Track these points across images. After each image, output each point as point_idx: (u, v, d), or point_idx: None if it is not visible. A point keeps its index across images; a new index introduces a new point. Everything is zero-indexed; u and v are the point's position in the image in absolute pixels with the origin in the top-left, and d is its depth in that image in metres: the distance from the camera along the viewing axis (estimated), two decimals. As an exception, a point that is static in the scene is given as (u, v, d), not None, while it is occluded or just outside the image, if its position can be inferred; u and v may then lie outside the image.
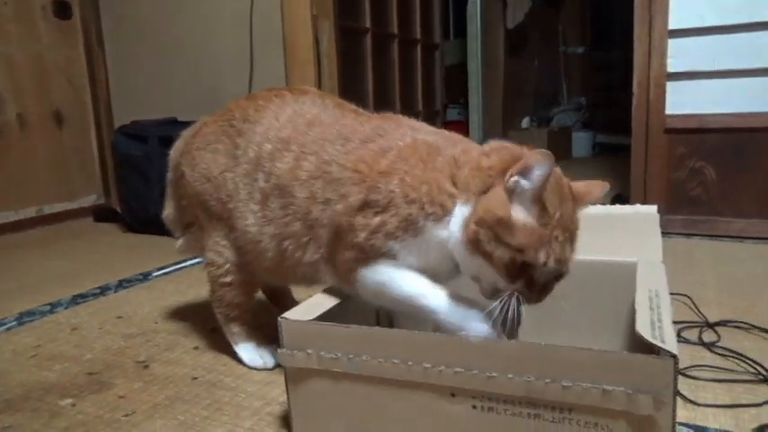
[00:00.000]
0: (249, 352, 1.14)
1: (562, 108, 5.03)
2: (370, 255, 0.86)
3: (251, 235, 1.02)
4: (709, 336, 1.19)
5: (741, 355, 1.09)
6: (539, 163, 0.72)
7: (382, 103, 3.11)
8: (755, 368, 1.04)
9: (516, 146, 0.83)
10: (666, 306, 0.80)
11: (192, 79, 2.74)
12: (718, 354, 1.11)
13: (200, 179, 1.10)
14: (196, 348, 1.24)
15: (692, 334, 1.21)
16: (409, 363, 0.78)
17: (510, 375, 0.73)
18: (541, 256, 0.75)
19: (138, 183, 2.43)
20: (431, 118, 3.70)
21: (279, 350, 0.86)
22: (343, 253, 0.89)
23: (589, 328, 1.08)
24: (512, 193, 0.75)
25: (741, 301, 1.38)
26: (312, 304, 0.90)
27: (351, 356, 0.81)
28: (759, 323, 1.24)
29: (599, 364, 0.70)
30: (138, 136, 2.46)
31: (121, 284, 1.75)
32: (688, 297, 1.37)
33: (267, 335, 1.15)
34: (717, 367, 1.05)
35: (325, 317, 0.87)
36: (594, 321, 1.08)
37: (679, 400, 0.92)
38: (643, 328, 0.71)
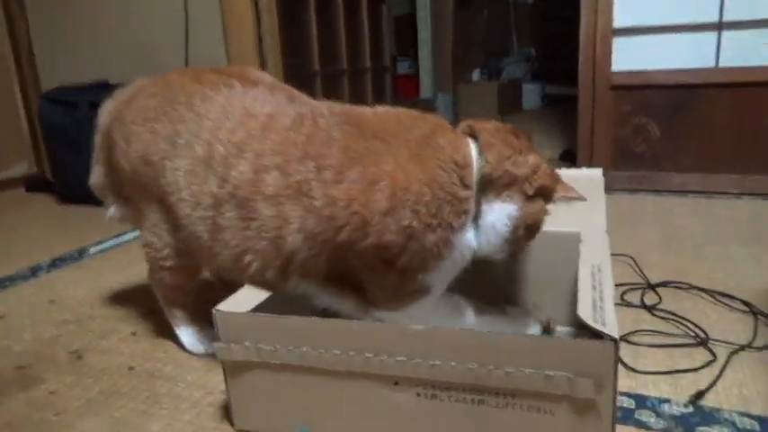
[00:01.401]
0: (191, 337, 1.10)
1: (512, 60, 4.99)
2: (400, 296, 0.84)
3: (201, 240, 0.92)
4: (651, 297, 1.21)
5: (681, 317, 1.11)
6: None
7: (328, 59, 3.00)
8: (694, 331, 1.06)
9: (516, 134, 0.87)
10: (608, 282, 0.79)
11: (123, 36, 2.56)
12: (659, 317, 1.13)
13: (138, 160, 0.99)
14: (134, 334, 1.19)
15: (634, 296, 1.22)
16: (350, 353, 0.76)
17: (453, 363, 0.72)
18: None
19: (68, 152, 2.28)
20: (380, 75, 3.60)
21: (215, 344, 0.82)
22: (360, 289, 0.85)
23: (534, 300, 1.08)
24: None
25: (682, 260, 1.41)
26: (247, 293, 0.86)
27: (290, 348, 0.78)
28: (698, 282, 1.27)
29: (541, 350, 0.69)
30: (66, 102, 2.30)
31: (54, 264, 1.65)
32: (631, 258, 1.39)
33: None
34: (657, 332, 1.07)
35: (262, 307, 0.83)
36: (539, 293, 1.08)
37: (620, 368, 0.93)
38: (584, 311, 0.70)
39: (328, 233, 0.80)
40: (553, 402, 0.70)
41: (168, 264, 1.04)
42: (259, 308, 0.83)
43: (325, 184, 0.80)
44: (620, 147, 2.11)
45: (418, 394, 0.75)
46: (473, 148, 0.83)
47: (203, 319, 1.10)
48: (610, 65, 2.03)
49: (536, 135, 3.70)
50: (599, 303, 0.73)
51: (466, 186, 0.81)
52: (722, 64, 1.93)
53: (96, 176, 1.14)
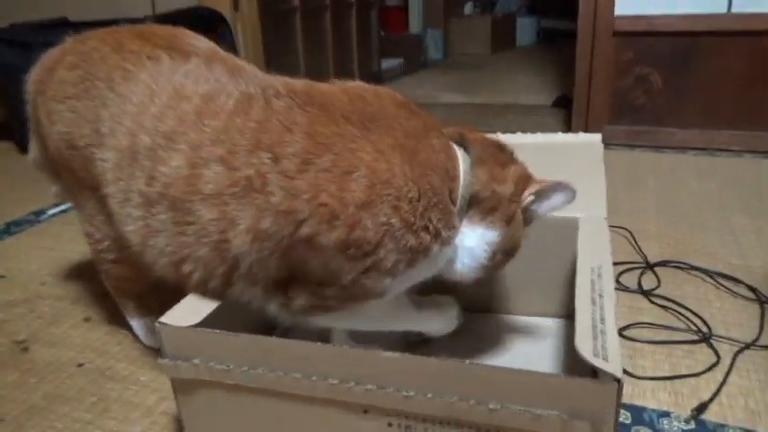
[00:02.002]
0: (145, 329, 1.00)
1: (506, -9, 4.72)
2: (356, 297, 0.70)
3: (133, 244, 0.77)
4: (648, 280, 1.12)
5: (681, 305, 1.03)
6: (563, 192, 0.76)
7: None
8: (696, 324, 0.98)
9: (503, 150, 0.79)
10: (610, 293, 0.69)
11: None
12: (658, 304, 1.04)
13: (62, 143, 0.85)
14: (87, 320, 1.09)
15: (631, 277, 1.14)
16: (313, 378, 0.66)
17: (429, 395, 0.62)
18: None
19: (24, 97, 2.10)
20: (366, 8, 3.36)
21: (159, 360, 0.72)
22: (306, 291, 0.70)
23: (529, 291, 0.98)
24: (528, 216, 0.77)
25: (681, 233, 1.32)
26: (194, 303, 0.75)
27: (245, 369, 0.68)
28: (699, 259, 1.18)
29: (530, 387, 0.59)
30: (19, 42, 2.10)
31: (9, 229, 1.53)
32: (628, 231, 1.30)
33: (170, 303, 0.99)
34: (656, 324, 0.98)
35: (213, 317, 0.72)
36: (534, 283, 0.98)
37: (616, 373, 0.85)
38: (583, 341, 0.60)
39: (285, 230, 0.67)
40: (543, 441, 0.61)
41: (111, 257, 0.92)
42: (210, 318, 0.72)
43: (284, 175, 0.66)
44: (619, 98, 1.97)
45: (390, 424, 0.66)
46: (461, 160, 0.73)
47: (161, 310, 1.00)
48: (612, 9, 1.86)
49: (529, 77, 3.54)
50: (599, 327, 0.63)
51: (452, 201, 0.71)
52: (735, 9, 1.76)
53: (33, 152, 1.01)
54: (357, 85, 0.76)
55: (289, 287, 0.72)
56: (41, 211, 1.64)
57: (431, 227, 0.69)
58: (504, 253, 0.75)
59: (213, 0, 2.20)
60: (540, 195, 0.75)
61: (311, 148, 0.67)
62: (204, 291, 0.74)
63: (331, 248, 0.66)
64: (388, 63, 3.60)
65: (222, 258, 0.70)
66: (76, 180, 0.88)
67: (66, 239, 1.45)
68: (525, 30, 4.71)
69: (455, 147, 0.75)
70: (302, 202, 0.65)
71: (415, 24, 4.31)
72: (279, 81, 0.74)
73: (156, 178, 0.71)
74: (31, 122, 0.98)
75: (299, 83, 0.74)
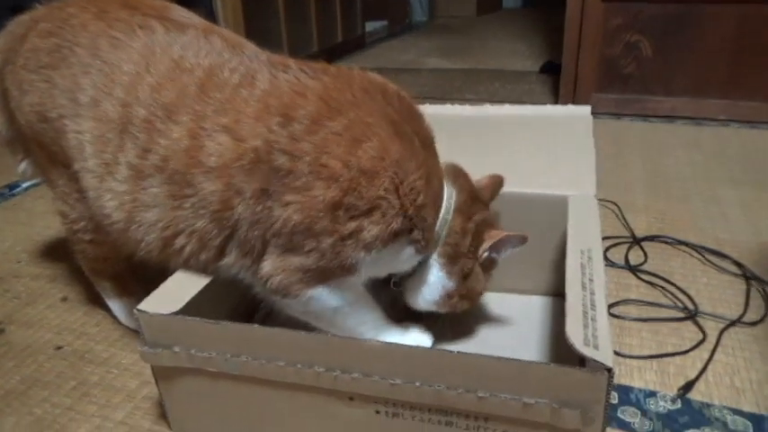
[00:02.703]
0: (124, 310, 0.97)
1: (493, -48, 4.59)
2: (329, 266, 0.67)
3: (115, 220, 0.75)
4: (636, 255, 1.12)
5: (668, 281, 1.03)
6: (513, 242, 0.78)
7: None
8: (682, 301, 0.97)
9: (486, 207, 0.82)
10: (600, 277, 0.68)
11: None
12: (645, 280, 1.04)
13: (33, 115, 0.80)
14: (64, 300, 1.06)
15: (619, 252, 1.13)
16: (298, 365, 0.64)
17: (417, 384, 0.61)
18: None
19: None
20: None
21: (140, 348, 0.69)
22: (286, 258, 0.68)
23: (518, 269, 0.97)
24: (486, 266, 0.81)
25: (669, 206, 1.31)
26: (174, 285, 0.72)
27: (228, 356, 0.67)
28: (686, 233, 1.18)
29: (519, 376, 0.58)
30: (-16, 4, 2.00)
31: (-19, 203, 1.48)
32: (615, 204, 1.28)
33: (153, 277, 0.95)
34: (643, 302, 0.98)
35: (193, 304, 0.70)
36: (524, 261, 0.96)
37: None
38: (573, 328, 0.59)
39: (282, 194, 0.65)
40: (532, 429, 0.60)
41: (87, 237, 0.89)
42: (190, 305, 0.70)
43: (291, 138, 0.64)
44: (607, 66, 1.93)
45: (377, 411, 0.65)
46: (447, 197, 0.75)
47: (140, 289, 0.97)
48: (603, -27, 1.81)
49: (516, 42, 3.46)
50: (590, 313, 0.62)
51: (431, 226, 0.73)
52: (727, -25, 1.72)
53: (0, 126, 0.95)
54: (376, 76, 0.74)
55: (265, 261, 0.69)
56: (15, 185, 1.58)
57: (417, 224, 0.69)
58: (462, 297, 0.79)
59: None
60: (495, 248, 0.78)
61: (324, 111, 0.66)
62: (195, 264, 0.73)
63: (320, 207, 0.64)
64: (371, 26, 3.51)
65: (220, 228, 0.69)
66: (48, 156, 0.84)
67: (40, 213, 1.41)
68: (512, -9, 4.61)
69: (446, 181, 0.76)
70: (303, 164, 0.64)
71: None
72: (282, 58, 0.72)
73: (151, 151, 0.70)
74: None
75: (309, 62, 0.73)
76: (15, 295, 1.08)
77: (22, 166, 0.97)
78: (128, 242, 0.76)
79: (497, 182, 0.86)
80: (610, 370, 0.55)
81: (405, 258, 0.72)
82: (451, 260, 0.76)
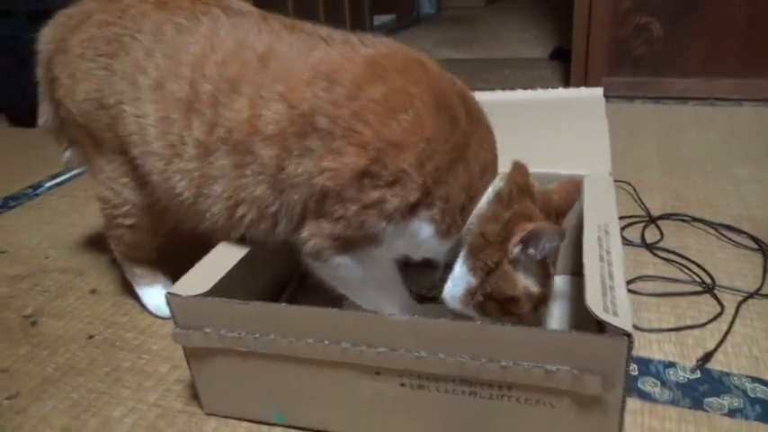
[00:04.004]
0: (154, 298, 1.00)
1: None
2: (355, 235, 0.69)
3: (181, 198, 0.79)
4: (652, 232, 1.13)
5: (684, 257, 1.03)
6: (548, 235, 0.67)
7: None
8: (699, 276, 0.98)
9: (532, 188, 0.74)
10: (618, 250, 0.70)
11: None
12: (661, 257, 1.05)
13: (88, 103, 0.84)
14: (93, 292, 1.09)
15: (635, 231, 1.14)
16: (325, 342, 0.67)
17: (441, 355, 0.63)
18: (541, 305, 0.73)
19: (10, 67, 2.05)
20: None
21: (173, 331, 0.72)
22: (320, 223, 0.71)
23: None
24: (517, 262, 0.70)
25: (683, 185, 1.31)
26: (202, 273, 0.75)
27: (257, 336, 0.69)
28: (701, 211, 1.18)
29: (541, 343, 0.60)
30: (1, 11, 2.04)
31: (7, 203, 1.52)
32: (630, 185, 1.29)
33: (178, 271, 0.98)
34: (660, 277, 0.99)
35: (221, 285, 0.73)
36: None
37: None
38: (593, 297, 0.60)
39: (320, 158, 0.68)
40: (554, 396, 0.62)
41: (128, 222, 0.92)
42: (219, 286, 0.72)
43: (333, 104, 0.67)
44: (618, 49, 1.93)
45: (403, 384, 0.67)
46: (491, 189, 0.72)
47: (169, 277, 1.00)
48: (611, -44, 1.81)
49: (525, 30, 3.45)
50: (608, 283, 0.63)
51: (462, 217, 0.71)
52: (737, -47, 1.72)
53: (44, 116, 0.98)
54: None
55: (305, 225, 0.73)
56: (38, 185, 1.62)
57: (437, 203, 0.69)
58: (489, 299, 0.70)
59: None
60: (528, 242, 0.68)
61: (368, 75, 0.68)
62: (255, 233, 0.77)
63: (348, 173, 0.66)
64: (380, 19, 3.52)
65: (275, 196, 0.73)
66: (96, 143, 0.88)
67: (64, 211, 1.45)
68: (519, -20, 4.59)
69: (498, 175, 0.74)
70: (339, 128, 0.67)
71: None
72: (347, 32, 0.75)
73: (218, 124, 0.74)
74: (40, 86, 0.97)
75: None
76: (45, 289, 1.11)
77: (67, 154, 1.00)
78: (195, 215, 0.80)
79: (571, 187, 0.78)
80: (629, 335, 0.56)
81: (424, 237, 0.72)
82: (475, 251, 0.70)
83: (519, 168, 0.74)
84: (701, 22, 1.81)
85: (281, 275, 0.98)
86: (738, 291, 0.94)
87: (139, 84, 0.78)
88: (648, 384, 0.77)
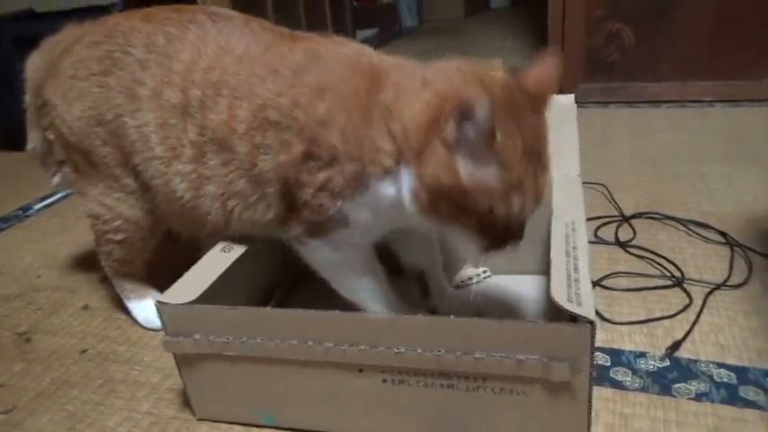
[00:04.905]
0: (144, 311, 1.03)
1: (477, -46, 4.66)
2: (319, 219, 0.74)
3: (183, 201, 0.84)
4: (625, 231, 1.17)
5: (655, 253, 1.08)
6: (479, 102, 0.56)
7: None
8: (669, 270, 1.03)
9: (465, 64, 0.68)
10: (583, 245, 0.74)
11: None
12: (634, 254, 1.09)
13: (83, 120, 0.87)
14: (85, 308, 1.12)
15: (608, 230, 1.18)
16: (309, 343, 0.70)
17: (419, 350, 0.66)
18: (515, 206, 0.63)
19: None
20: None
21: (163, 339, 0.75)
22: (293, 212, 0.76)
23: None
24: (453, 146, 0.60)
25: (655, 184, 1.36)
26: (193, 279, 0.78)
27: (244, 339, 0.72)
28: (672, 209, 1.23)
29: (511, 334, 0.64)
30: (-13, 37, 2.07)
31: (-3, 225, 1.54)
32: (604, 186, 1.34)
33: (168, 282, 1.01)
34: (632, 273, 1.03)
35: (210, 293, 0.76)
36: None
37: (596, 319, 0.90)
38: (558, 289, 0.64)
39: (277, 151, 0.74)
40: (526, 384, 0.66)
41: (119, 237, 0.95)
42: (207, 293, 0.75)
43: (277, 94, 0.73)
44: (592, 57, 1.99)
45: (384, 380, 0.71)
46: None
47: (158, 291, 1.03)
48: (581, -34, 1.87)
49: (504, 40, 3.52)
50: (573, 275, 0.67)
51: (392, 138, 0.66)
52: (700, -39, 1.79)
53: (33, 142, 1.02)
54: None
55: (288, 216, 0.78)
56: (28, 207, 1.65)
57: (367, 166, 0.68)
58: (436, 195, 0.62)
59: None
60: (461, 116, 0.58)
61: (305, 61, 0.74)
62: (244, 224, 0.82)
63: (298, 160, 0.72)
64: (362, 34, 3.58)
65: (253, 187, 0.78)
66: (90, 161, 0.91)
67: (54, 231, 1.47)
68: (499, -9, 4.68)
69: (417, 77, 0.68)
70: (282, 116, 0.72)
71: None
72: (307, 33, 0.82)
73: (206, 126, 0.79)
74: (28, 112, 0.99)
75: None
76: (38, 307, 1.14)
77: (56, 179, 1.03)
78: (194, 218, 0.85)
79: (546, 65, 0.68)
80: (592, 323, 0.60)
81: (386, 199, 0.69)
82: (404, 146, 0.65)
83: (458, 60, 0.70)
84: (670, 28, 1.88)
85: (268, 282, 1.01)
86: (706, 283, 0.98)
87: (138, 95, 0.83)
88: (620, 374, 0.81)
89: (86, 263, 1.27)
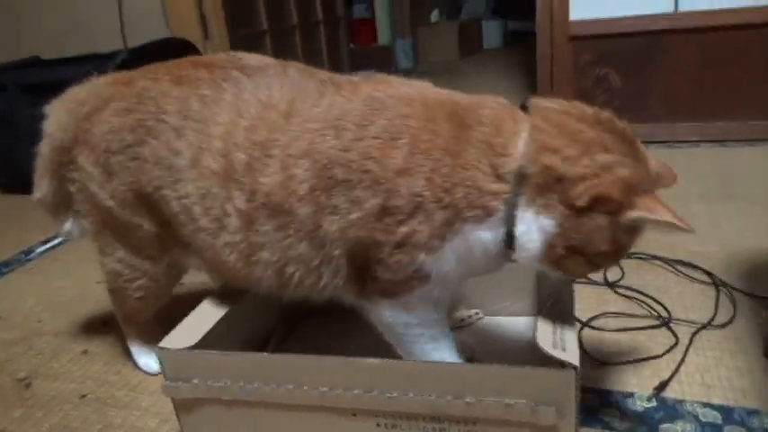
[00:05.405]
0: (145, 356, 1.04)
1: (470, -4, 4.83)
2: (398, 275, 0.70)
3: (234, 271, 0.80)
4: (613, 271, 1.20)
5: (643, 293, 1.11)
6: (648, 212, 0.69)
7: (276, 15, 2.84)
8: (656, 310, 1.05)
9: (571, 107, 0.72)
10: (570, 291, 0.77)
11: (53, 6, 2.37)
12: (622, 294, 1.12)
13: (129, 192, 0.84)
14: (85, 353, 1.13)
15: (597, 271, 1.21)
16: (304, 387, 0.72)
17: (411, 395, 0.69)
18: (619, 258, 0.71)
19: (4, 138, 2.14)
20: (334, 25, 3.43)
21: (163, 384, 0.77)
22: (366, 272, 0.73)
23: (502, 293, 1.04)
24: (619, 227, 0.66)
25: (644, 224, 1.40)
26: (192, 324, 0.81)
27: (241, 384, 0.74)
28: (660, 248, 1.26)
29: (500, 379, 0.66)
30: (-6, 84, 2.14)
31: (0, 270, 1.57)
32: (594, 227, 1.37)
33: (171, 327, 1.01)
34: (620, 313, 1.06)
35: (209, 338, 0.78)
36: (507, 285, 1.04)
37: (585, 359, 0.92)
38: (543, 335, 0.67)
39: (348, 211, 0.69)
40: (515, 428, 0.68)
41: (138, 295, 0.95)
42: (206, 339, 0.78)
43: (342, 150, 0.69)
44: (581, 99, 2.02)
45: (378, 425, 0.73)
46: (524, 135, 0.67)
47: (161, 338, 1.05)
48: (567, 14, 1.95)
49: (497, 80, 3.60)
50: (558, 320, 0.70)
51: (498, 177, 0.66)
52: (681, 8, 1.86)
53: (42, 190, 0.96)
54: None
55: (358, 278, 0.74)
56: (29, 250, 1.67)
57: (463, 211, 0.66)
58: (569, 248, 0.65)
59: (183, 30, 2.26)
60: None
61: (367, 113, 0.70)
62: (304, 290, 0.78)
63: (372, 216, 0.68)
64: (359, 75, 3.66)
65: (316, 250, 0.73)
66: (123, 233, 0.89)
67: (56, 275, 1.50)
68: (491, 33, 4.81)
69: (519, 121, 0.69)
70: (351, 172, 0.68)
71: (383, 35, 4.40)
72: (350, 76, 0.78)
73: (257, 191, 0.73)
74: (41, 161, 0.95)
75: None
76: (39, 351, 1.16)
77: (66, 226, 0.99)
78: (245, 280, 0.81)
79: (667, 172, 0.81)
80: (576, 368, 0.63)
81: (476, 240, 0.68)
82: (541, 190, 0.65)
83: (536, 100, 0.72)
84: (654, 72, 1.94)
85: (265, 327, 1.03)
86: (693, 322, 1.01)
87: (176, 166, 0.78)
88: (609, 414, 0.83)
89: (87, 306, 1.29)
